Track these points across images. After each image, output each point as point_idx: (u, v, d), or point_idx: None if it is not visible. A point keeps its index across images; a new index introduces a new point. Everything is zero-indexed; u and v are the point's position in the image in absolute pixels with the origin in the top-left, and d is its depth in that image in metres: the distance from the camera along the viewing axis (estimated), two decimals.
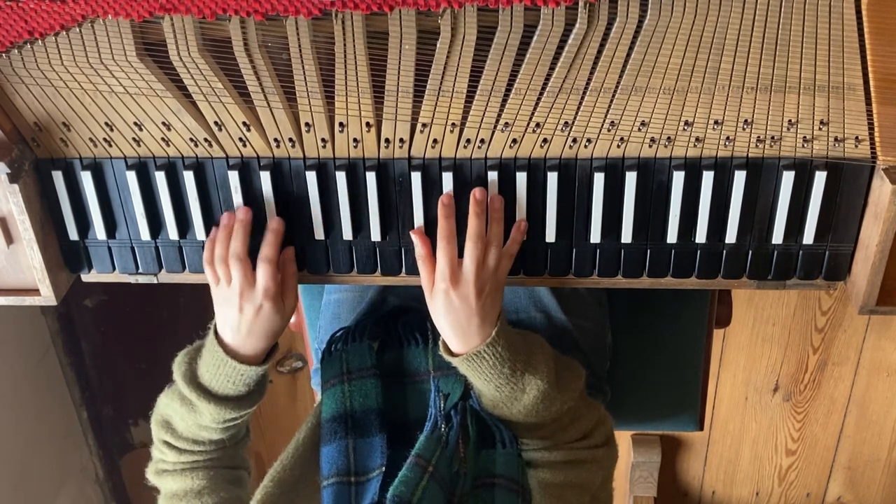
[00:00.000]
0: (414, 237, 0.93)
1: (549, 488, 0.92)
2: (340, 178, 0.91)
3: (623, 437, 2.10)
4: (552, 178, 0.90)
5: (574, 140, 0.88)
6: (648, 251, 0.94)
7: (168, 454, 1.02)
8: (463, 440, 0.93)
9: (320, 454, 0.96)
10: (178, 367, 0.98)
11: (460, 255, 0.90)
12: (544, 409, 0.93)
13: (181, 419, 0.99)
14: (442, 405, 0.95)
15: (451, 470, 0.91)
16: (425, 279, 0.92)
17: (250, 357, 0.94)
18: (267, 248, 0.92)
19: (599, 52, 0.83)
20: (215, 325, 0.95)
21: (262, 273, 0.91)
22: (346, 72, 0.85)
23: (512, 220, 0.92)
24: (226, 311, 0.93)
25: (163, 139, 0.91)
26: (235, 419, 0.98)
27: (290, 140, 0.90)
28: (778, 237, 0.91)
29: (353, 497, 0.92)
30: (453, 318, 0.90)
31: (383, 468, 0.92)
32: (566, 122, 0.87)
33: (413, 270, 0.97)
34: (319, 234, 0.95)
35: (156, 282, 1.02)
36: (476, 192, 0.90)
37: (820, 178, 0.87)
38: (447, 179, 0.91)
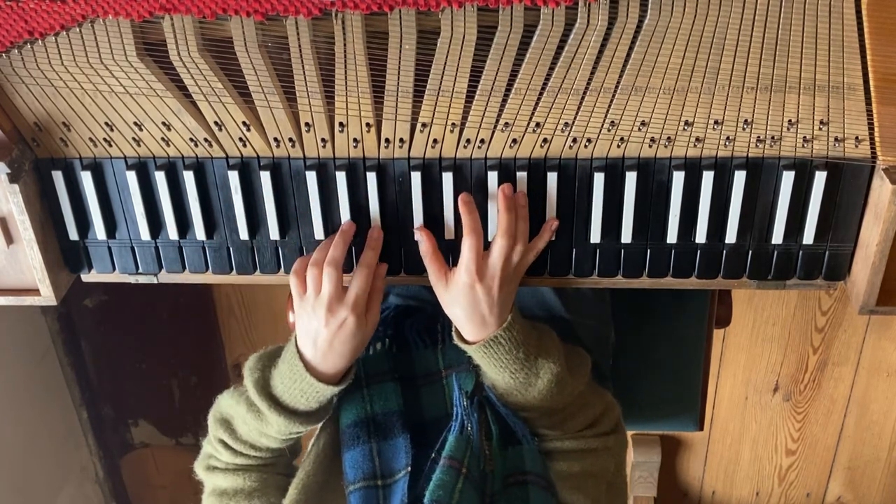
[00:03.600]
0: (417, 233, 0.93)
1: (567, 479, 0.93)
2: (340, 178, 0.91)
3: None
4: (552, 178, 0.90)
5: (574, 140, 0.88)
6: (648, 251, 0.94)
7: (223, 454, 1.00)
8: (486, 437, 0.93)
9: (343, 460, 0.96)
10: (249, 372, 0.96)
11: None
12: (558, 393, 0.93)
13: (244, 423, 0.97)
14: (466, 403, 0.94)
15: (480, 469, 0.91)
16: (434, 274, 0.92)
17: (328, 375, 0.93)
18: (368, 253, 0.91)
19: (600, 52, 0.83)
20: (296, 338, 0.93)
21: (358, 279, 0.90)
22: (346, 72, 0.85)
23: None
24: (309, 324, 0.91)
25: (163, 139, 0.91)
26: (300, 432, 0.97)
27: (290, 140, 0.90)
28: (778, 237, 0.91)
29: (382, 500, 0.91)
30: (473, 310, 0.90)
31: (409, 468, 0.92)
32: (566, 122, 0.87)
33: (413, 270, 0.97)
34: (319, 234, 0.95)
35: (156, 282, 1.02)
36: (505, 188, 0.90)
37: (820, 178, 0.87)
38: (447, 179, 0.91)
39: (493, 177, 0.90)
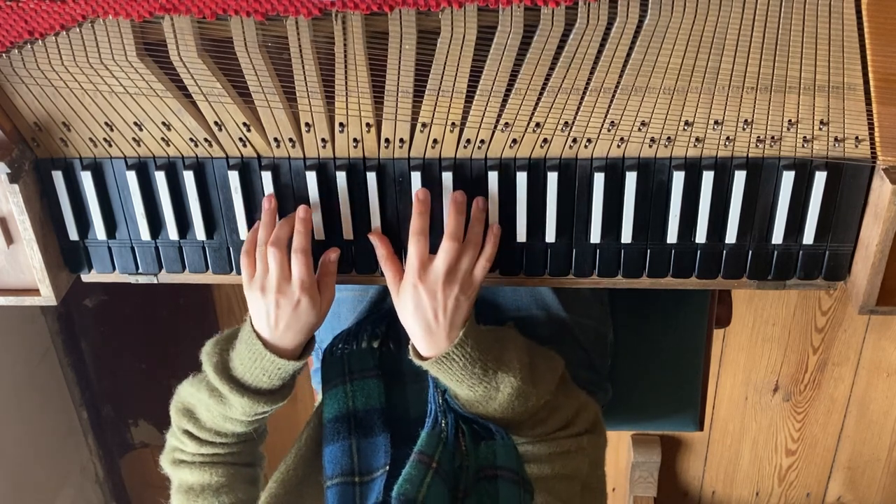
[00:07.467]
0: (372, 238, 0.93)
1: (538, 482, 0.92)
2: (340, 178, 0.92)
3: (623, 437, 2.10)
4: (552, 178, 0.90)
5: (574, 140, 0.88)
6: (648, 251, 0.94)
7: (188, 444, 1.00)
8: (462, 433, 0.93)
9: (323, 455, 0.96)
10: (207, 357, 0.97)
11: (433, 252, 0.90)
12: (520, 406, 0.93)
13: (207, 410, 0.97)
14: (441, 401, 0.95)
15: (453, 465, 0.91)
16: (390, 278, 0.93)
17: (288, 351, 0.93)
18: (299, 238, 0.91)
19: (599, 52, 0.83)
20: (251, 318, 0.94)
21: (297, 264, 0.90)
22: (346, 72, 0.85)
23: (511, 220, 0.92)
24: (260, 306, 0.92)
25: (163, 139, 0.91)
26: (265, 412, 0.97)
27: (290, 140, 0.90)
28: (778, 237, 0.91)
29: (358, 497, 0.91)
30: (420, 315, 0.90)
31: (387, 467, 0.92)
32: (566, 122, 0.87)
33: None
34: (319, 234, 0.95)
35: (156, 282, 1.02)
36: (457, 195, 0.90)
37: (820, 178, 0.87)
38: (447, 179, 0.91)
39: (493, 177, 0.90)
